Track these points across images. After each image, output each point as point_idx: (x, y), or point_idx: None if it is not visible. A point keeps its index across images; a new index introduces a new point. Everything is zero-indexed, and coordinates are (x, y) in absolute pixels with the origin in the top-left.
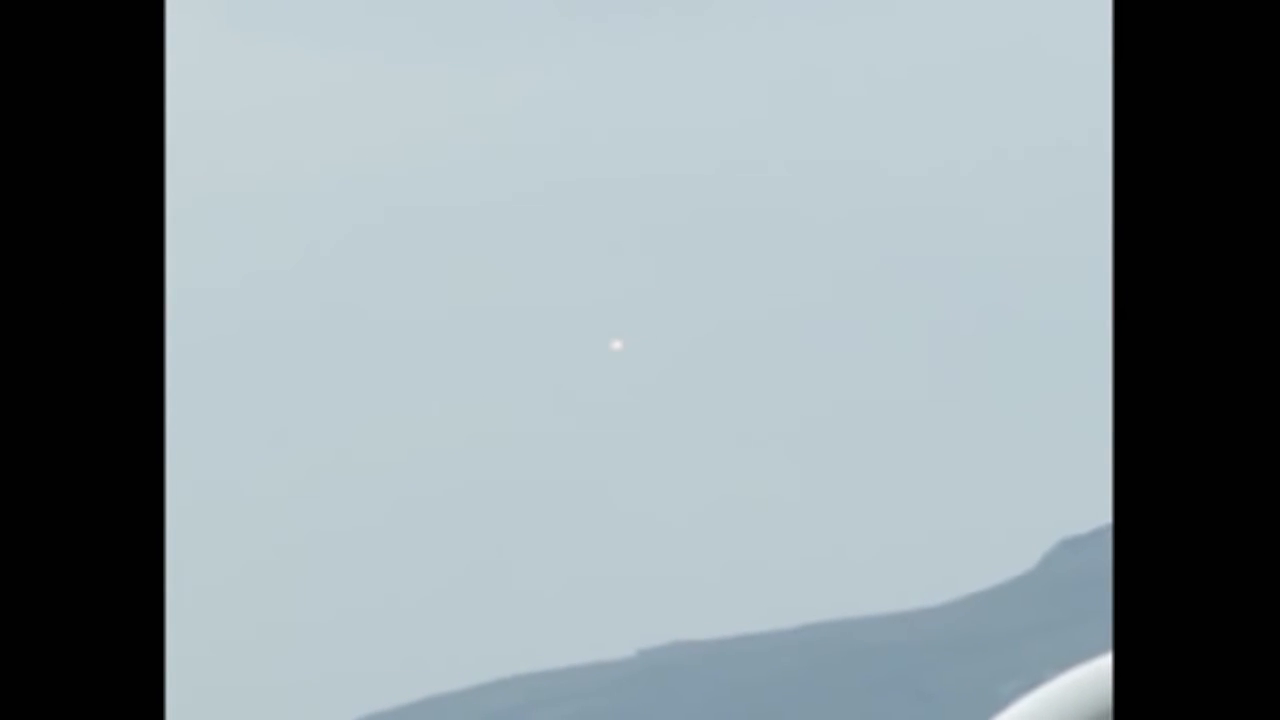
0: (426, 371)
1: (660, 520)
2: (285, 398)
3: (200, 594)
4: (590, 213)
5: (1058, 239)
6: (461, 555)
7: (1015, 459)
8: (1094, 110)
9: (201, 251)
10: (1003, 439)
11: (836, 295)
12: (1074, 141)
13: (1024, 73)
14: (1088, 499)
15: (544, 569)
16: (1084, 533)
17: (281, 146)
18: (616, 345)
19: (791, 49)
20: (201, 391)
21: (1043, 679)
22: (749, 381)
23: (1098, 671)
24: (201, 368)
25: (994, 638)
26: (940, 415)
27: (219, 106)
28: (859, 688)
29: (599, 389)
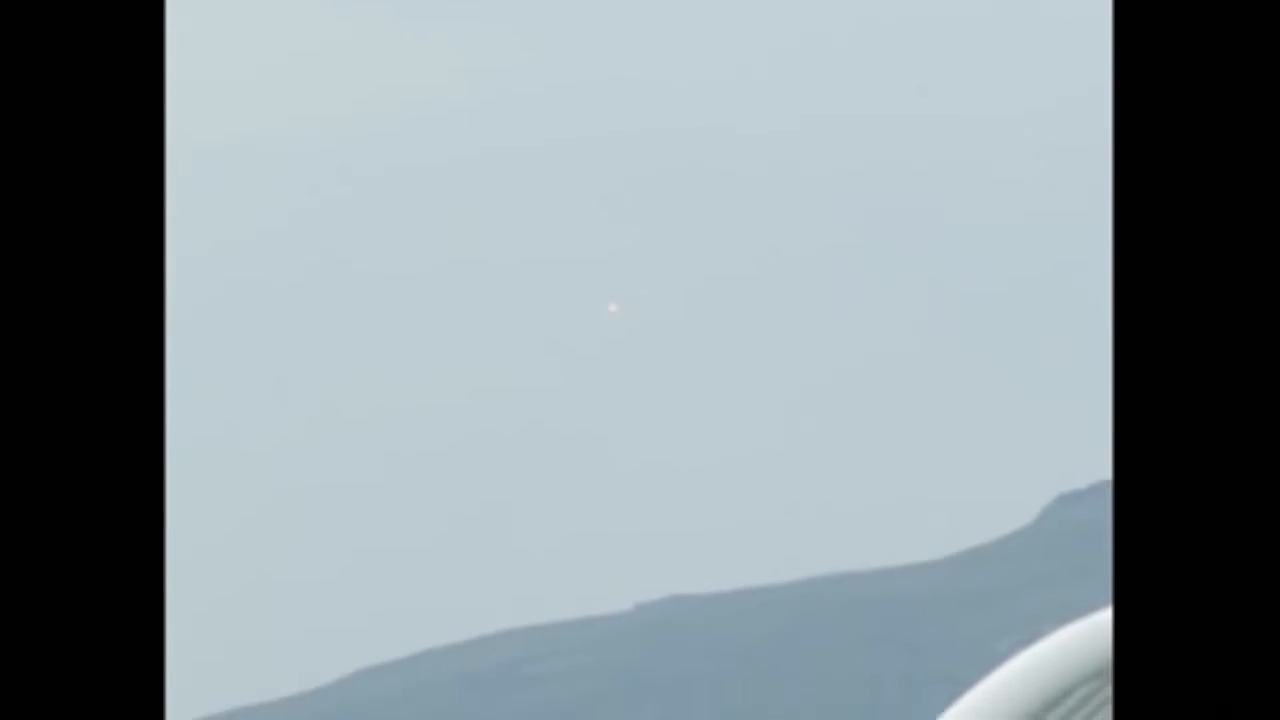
0: (422, 326)
1: (657, 476)
2: (281, 352)
3: (197, 549)
4: (586, 168)
5: (1055, 196)
6: (458, 510)
7: (1013, 415)
8: (1094, 68)
9: (199, 206)
10: (1000, 395)
11: (833, 252)
12: (1073, 99)
13: (1023, 30)
14: (1085, 455)
15: (541, 524)
16: (1081, 488)
17: (277, 103)
18: (613, 309)
19: (788, 3)
20: (198, 347)
21: (1040, 634)
22: (746, 338)
23: (1095, 627)
24: (198, 323)
25: (991, 592)
26: (938, 372)
27: (216, 63)
28: (855, 642)
29: (595, 345)
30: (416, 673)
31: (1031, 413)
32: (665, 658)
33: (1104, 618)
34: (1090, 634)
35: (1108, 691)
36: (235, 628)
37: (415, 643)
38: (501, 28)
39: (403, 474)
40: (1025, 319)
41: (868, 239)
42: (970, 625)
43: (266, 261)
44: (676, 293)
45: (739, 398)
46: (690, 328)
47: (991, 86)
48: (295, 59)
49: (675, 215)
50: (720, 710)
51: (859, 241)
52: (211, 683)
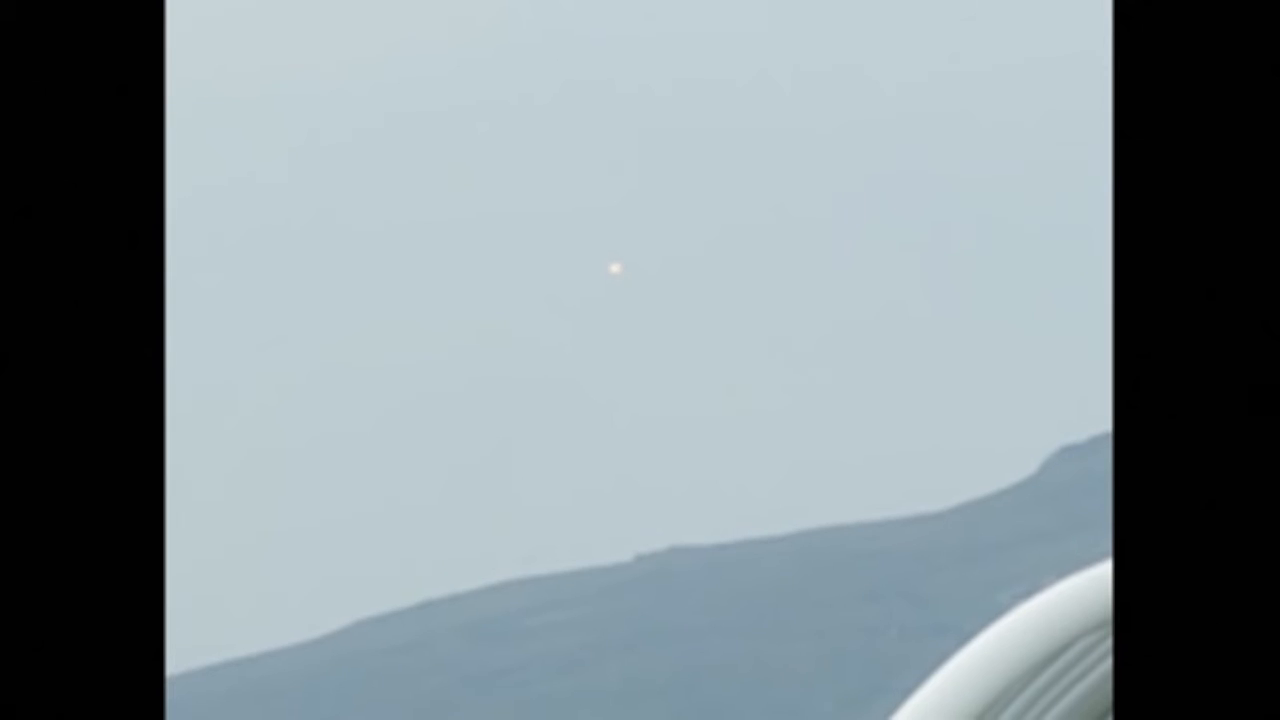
0: (423, 277)
1: (658, 426)
2: (279, 301)
3: (196, 500)
4: (587, 121)
5: (1055, 149)
6: (458, 460)
7: (1014, 367)
8: (1093, 19)
9: (198, 154)
10: (1001, 347)
11: (834, 206)
12: (1073, 50)
13: None
14: (1087, 407)
15: (541, 474)
16: (1083, 440)
17: (277, 49)
18: (615, 269)
19: None
20: (194, 296)
21: (1041, 586)
22: (747, 291)
23: (1097, 579)
24: (196, 271)
25: (992, 545)
26: (938, 323)
27: (210, 8)
28: (856, 594)
29: (597, 297)
30: (416, 624)
31: (1033, 365)
32: (666, 609)
33: (1106, 570)
34: (1092, 586)
35: (1109, 644)
36: (234, 578)
37: (415, 594)
38: None
39: (402, 425)
40: (1026, 270)
41: (869, 193)
42: (971, 577)
43: (264, 210)
44: (679, 246)
45: (740, 350)
46: (693, 281)
47: (992, 38)
48: (292, 4)
49: (677, 170)
50: (721, 662)
51: (861, 195)
52: (211, 633)
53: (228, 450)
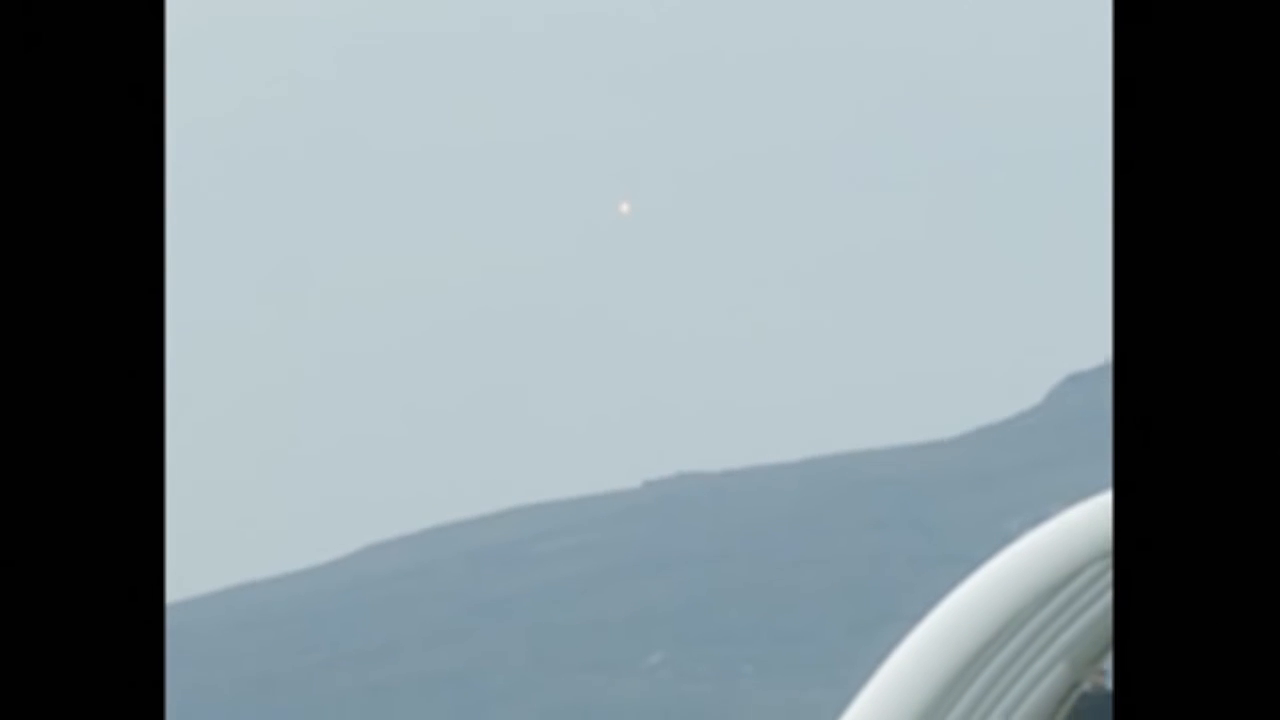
0: (437, 199)
1: (668, 354)
2: (298, 224)
3: (208, 422)
4: (598, 45)
5: (1067, 77)
6: (468, 387)
7: (1022, 296)
8: None
9: (206, 75)
10: (1009, 276)
11: (843, 132)
12: None
13: None
14: (1094, 336)
15: (551, 401)
16: (1089, 368)
17: None
18: (624, 209)
19: None
20: (209, 219)
21: (1049, 514)
22: (756, 217)
23: (1103, 507)
24: (211, 194)
25: (1000, 472)
26: (948, 252)
27: None
28: (864, 521)
29: (607, 223)
30: (425, 549)
31: (1040, 294)
32: (674, 535)
33: (1111, 498)
34: (1098, 514)
35: None
36: (245, 503)
37: (424, 519)
38: None
39: (413, 352)
40: (1036, 199)
41: (879, 119)
42: (979, 505)
43: (275, 136)
44: (689, 171)
45: (750, 277)
46: (702, 207)
47: None
48: None
49: (686, 95)
50: (728, 587)
51: (870, 121)
52: (222, 557)
53: (240, 374)
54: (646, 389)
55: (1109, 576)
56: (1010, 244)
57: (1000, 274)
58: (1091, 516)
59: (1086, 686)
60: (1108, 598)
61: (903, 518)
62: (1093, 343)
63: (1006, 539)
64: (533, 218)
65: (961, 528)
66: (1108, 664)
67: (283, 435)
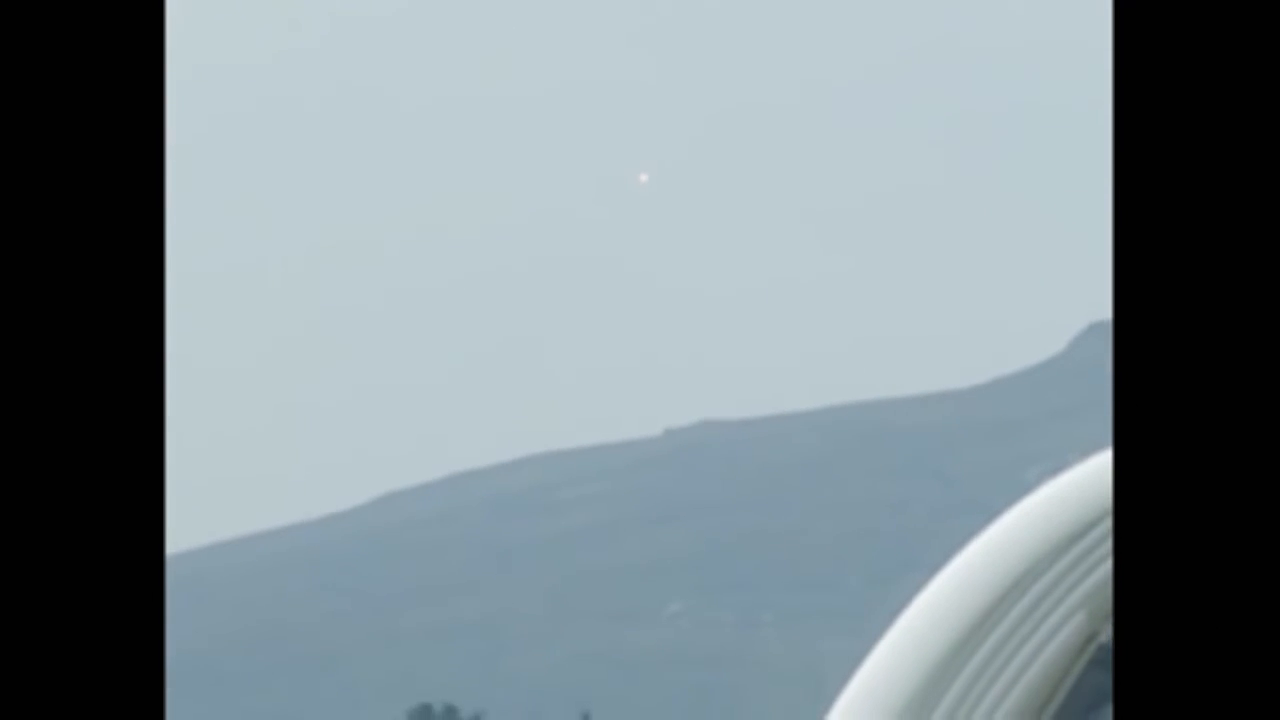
0: (453, 153)
1: (689, 302)
2: (320, 173)
3: (224, 373)
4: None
5: (1090, 26)
6: (489, 333)
7: (1044, 244)
8: None
9: (226, 31)
10: (1031, 224)
11: (863, 80)
12: None
13: None
14: None
15: (572, 349)
16: (1112, 317)
17: None
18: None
19: None
20: (225, 172)
21: (1069, 463)
22: (777, 166)
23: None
24: (229, 147)
25: (1020, 421)
26: (969, 201)
27: None
28: (884, 470)
29: (627, 172)
30: (446, 496)
31: (1062, 242)
32: (694, 483)
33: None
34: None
35: None
36: (266, 451)
37: (445, 466)
38: None
39: (434, 301)
40: (1058, 147)
41: (900, 67)
42: (999, 454)
43: (294, 86)
44: (707, 121)
45: (770, 225)
46: (722, 156)
47: None
48: None
49: (704, 44)
50: (748, 536)
51: (889, 69)
52: (241, 505)
53: (261, 324)
54: (666, 338)
55: None
56: (1032, 191)
57: (1022, 221)
58: (1111, 466)
59: (1104, 638)
60: None
61: (923, 467)
62: None
63: (1026, 488)
64: (553, 170)
65: (981, 477)
66: None
67: (302, 383)
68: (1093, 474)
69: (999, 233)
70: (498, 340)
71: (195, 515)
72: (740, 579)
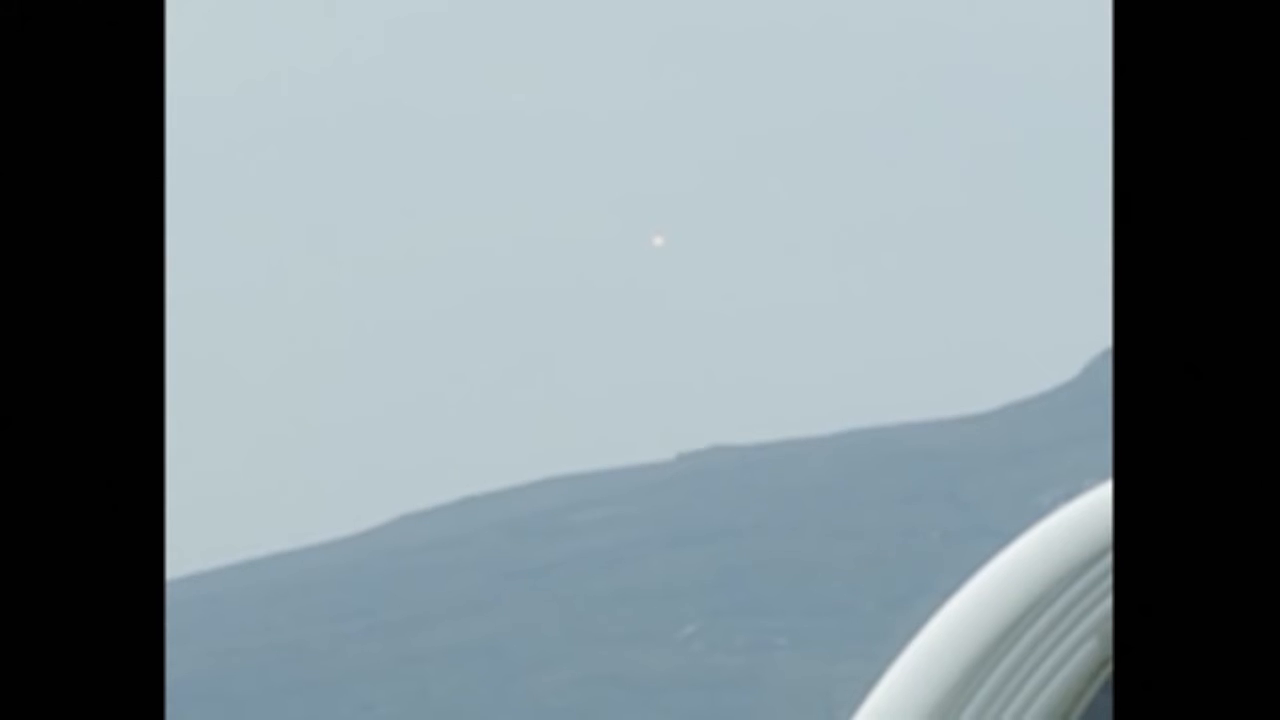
0: (469, 170)
1: (702, 325)
2: (333, 191)
3: (238, 391)
4: (635, 15)
5: (1104, 50)
6: (502, 356)
7: (1059, 267)
8: None
9: (244, 44)
10: (1046, 248)
11: (880, 104)
12: None
13: None
14: None
15: (585, 370)
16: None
17: None
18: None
19: None
20: (246, 187)
21: (1083, 488)
22: (793, 188)
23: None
24: (245, 164)
25: (1034, 446)
26: (983, 222)
27: None
28: (897, 494)
29: (640, 193)
30: (458, 520)
31: (1078, 266)
32: (708, 507)
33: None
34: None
35: None
36: (276, 471)
37: (457, 489)
38: None
39: (448, 322)
40: (1072, 170)
41: (916, 91)
42: (1013, 479)
43: (313, 103)
44: (723, 144)
45: (785, 248)
46: (737, 178)
47: None
48: None
49: (722, 67)
50: (761, 559)
51: (907, 94)
52: (255, 526)
53: (274, 341)
54: (679, 361)
55: None
56: (1048, 216)
57: (1037, 247)
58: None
59: None
60: None
61: (936, 491)
62: None
63: (1040, 513)
64: (566, 191)
65: (995, 502)
66: None
67: (316, 404)
68: (1107, 500)
69: (1014, 258)
70: (512, 363)
71: (207, 537)
72: (754, 603)
